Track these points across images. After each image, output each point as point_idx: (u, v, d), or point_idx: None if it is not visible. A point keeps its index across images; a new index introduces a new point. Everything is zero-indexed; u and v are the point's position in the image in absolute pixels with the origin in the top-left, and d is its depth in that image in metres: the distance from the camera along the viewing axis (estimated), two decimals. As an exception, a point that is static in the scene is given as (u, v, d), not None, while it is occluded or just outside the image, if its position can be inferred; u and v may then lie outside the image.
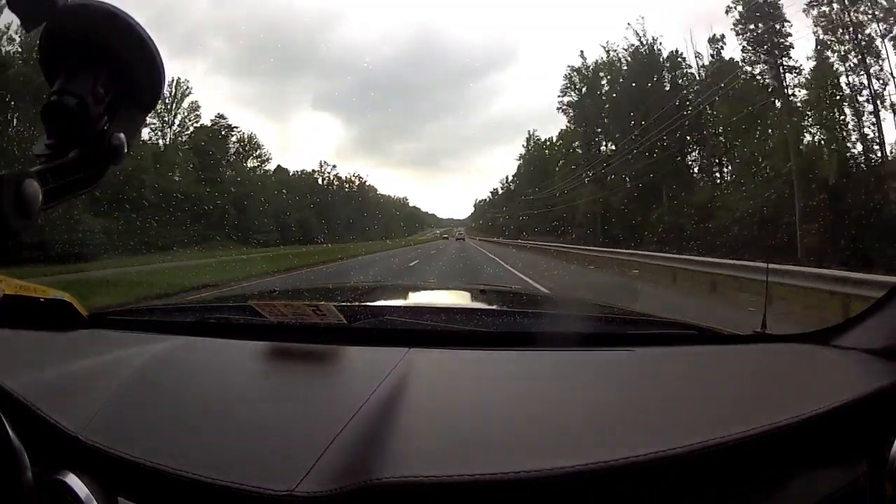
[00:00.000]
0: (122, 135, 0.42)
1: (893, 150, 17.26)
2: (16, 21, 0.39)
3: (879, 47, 17.25)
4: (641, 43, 26.12)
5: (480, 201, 62.38)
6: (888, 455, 0.61)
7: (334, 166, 47.20)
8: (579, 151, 29.90)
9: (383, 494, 0.53)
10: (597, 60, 29.46)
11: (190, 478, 0.57)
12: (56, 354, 0.95)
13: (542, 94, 66.50)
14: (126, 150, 0.42)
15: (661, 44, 25.57)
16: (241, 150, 32.61)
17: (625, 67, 27.25)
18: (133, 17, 0.41)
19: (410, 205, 69.89)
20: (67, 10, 0.40)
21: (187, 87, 28.95)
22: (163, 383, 0.84)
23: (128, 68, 0.42)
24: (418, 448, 0.61)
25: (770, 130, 20.20)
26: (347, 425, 0.63)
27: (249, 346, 0.95)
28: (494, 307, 1.44)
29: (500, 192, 49.20)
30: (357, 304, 1.26)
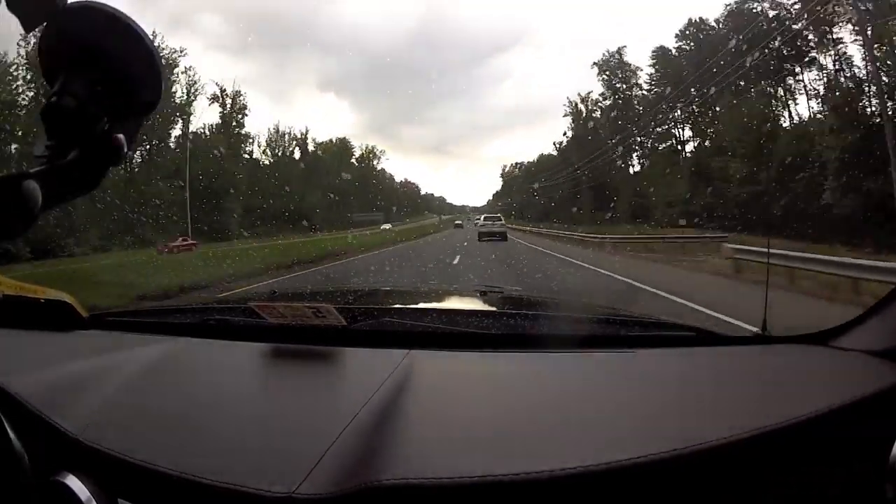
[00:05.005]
0: (121, 136, 0.42)
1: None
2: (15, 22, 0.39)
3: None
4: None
5: (516, 165, 44.77)
6: (888, 456, 0.61)
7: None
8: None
9: (384, 496, 0.53)
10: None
11: (190, 479, 0.57)
12: (56, 355, 0.95)
13: (564, 73, 59.89)
14: (126, 151, 0.42)
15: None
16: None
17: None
18: (132, 18, 0.41)
19: (396, 179, 49.22)
20: (66, 12, 0.40)
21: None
22: (163, 385, 0.84)
23: (127, 69, 0.42)
24: (418, 450, 0.61)
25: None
26: (348, 427, 0.63)
27: (249, 347, 0.94)
28: (495, 309, 1.43)
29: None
30: (357, 305, 1.26)
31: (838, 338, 0.89)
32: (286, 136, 36.27)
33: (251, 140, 33.78)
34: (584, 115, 33.64)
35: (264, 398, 0.81)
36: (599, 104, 33.00)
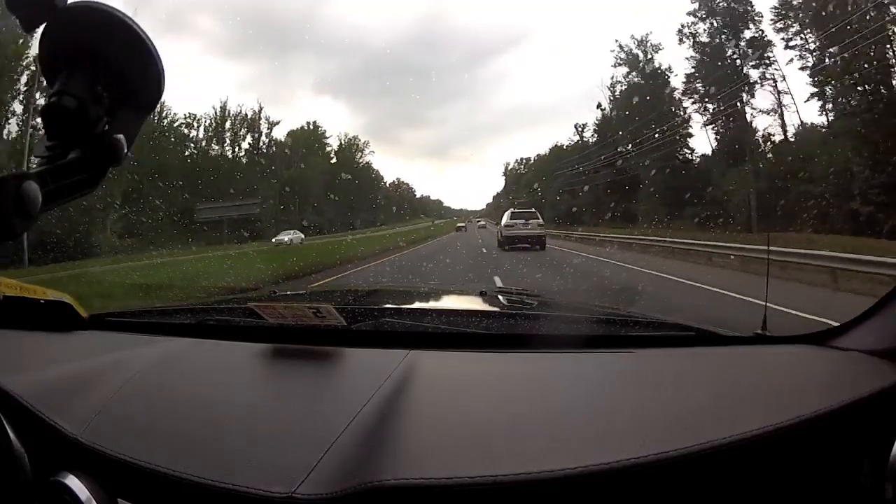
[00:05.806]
0: (121, 136, 0.42)
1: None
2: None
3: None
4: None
5: (521, 161, 38.94)
6: (888, 456, 0.61)
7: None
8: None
9: (383, 497, 0.53)
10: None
11: (190, 480, 0.57)
12: (56, 356, 0.95)
13: (564, 75, 59.36)
14: (126, 151, 0.42)
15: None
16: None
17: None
18: (132, 18, 0.41)
19: (385, 176, 42.37)
20: (66, 12, 0.40)
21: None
22: (163, 385, 0.84)
23: (127, 69, 0.42)
24: (419, 450, 0.61)
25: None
26: (348, 427, 0.63)
27: (249, 348, 0.94)
28: (495, 309, 1.43)
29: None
30: (357, 306, 1.26)
31: (838, 338, 0.88)
32: (237, 118, 29.33)
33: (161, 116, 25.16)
34: (642, 63, 24.35)
35: (264, 398, 0.81)
36: (688, 28, 22.62)
